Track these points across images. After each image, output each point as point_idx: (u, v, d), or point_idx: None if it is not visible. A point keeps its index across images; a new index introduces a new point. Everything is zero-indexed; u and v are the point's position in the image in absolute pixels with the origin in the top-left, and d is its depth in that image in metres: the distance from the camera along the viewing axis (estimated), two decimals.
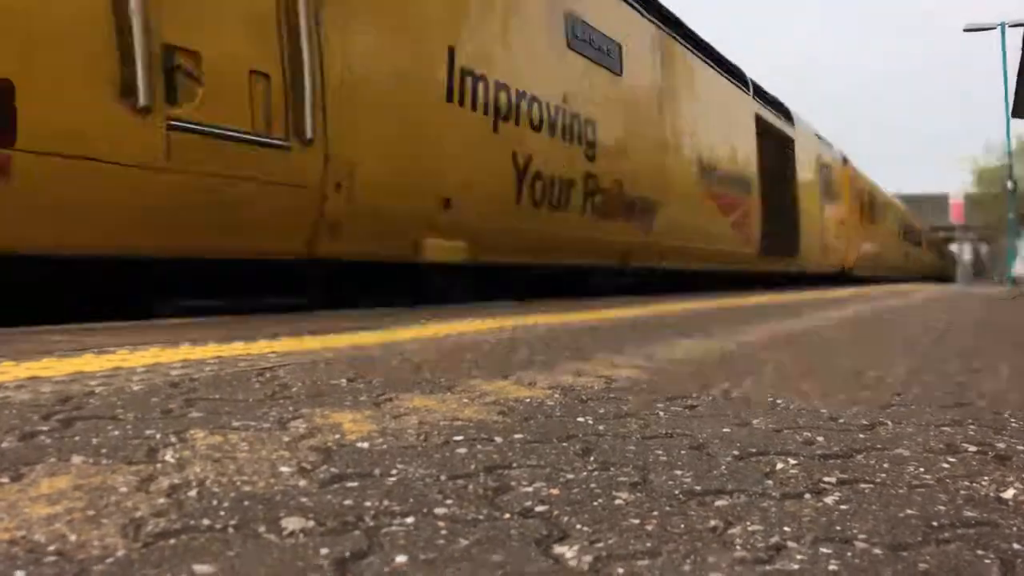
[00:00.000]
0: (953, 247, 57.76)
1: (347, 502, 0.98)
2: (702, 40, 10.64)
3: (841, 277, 18.87)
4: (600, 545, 0.86)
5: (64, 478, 1.04)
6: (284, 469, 1.12)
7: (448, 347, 2.72)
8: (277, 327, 3.30)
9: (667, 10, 9.49)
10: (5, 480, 1.03)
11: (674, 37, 9.60)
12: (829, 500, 1.05)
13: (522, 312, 4.84)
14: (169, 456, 1.17)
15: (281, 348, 2.54)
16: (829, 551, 0.86)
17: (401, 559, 0.80)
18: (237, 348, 2.50)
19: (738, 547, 0.87)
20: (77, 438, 1.26)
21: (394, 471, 1.13)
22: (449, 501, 1.00)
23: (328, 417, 1.48)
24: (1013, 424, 1.60)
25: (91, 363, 2.07)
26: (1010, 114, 22.52)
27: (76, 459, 1.14)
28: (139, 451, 1.20)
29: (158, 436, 1.29)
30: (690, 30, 10.22)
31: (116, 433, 1.30)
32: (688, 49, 10.08)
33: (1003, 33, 24.12)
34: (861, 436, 1.46)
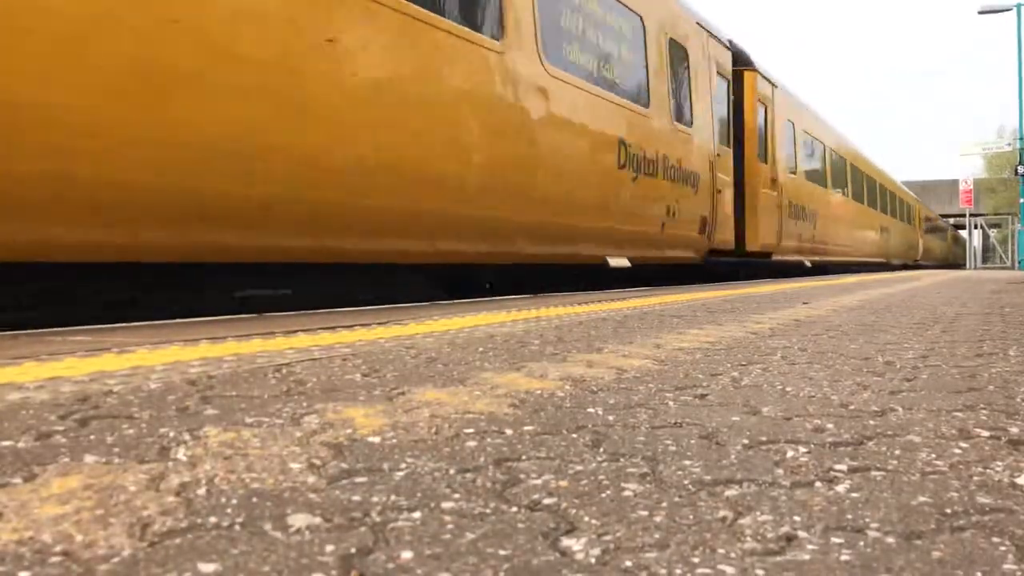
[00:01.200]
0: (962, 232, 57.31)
1: (355, 498, 0.98)
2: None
3: None
4: (608, 537, 0.86)
5: (75, 478, 1.05)
6: (294, 465, 1.13)
7: (461, 340, 2.72)
8: (294, 324, 3.31)
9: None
10: (18, 480, 1.03)
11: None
12: (840, 488, 1.04)
13: (534, 305, 4.84)
14: (181, 454, 1.18)
15: (298, 344, 2.55)
16: (841, 540, 0.86)
17: (407, 555, 0.80)
18: (255, 345, 2.51)
19: (748, 537, 0.86)
20: (92, 437, 1.27)
21: (403, 465, 1.13)
22: (457, 495, 1.00)
23: (341, 412, 1.49)
24: None
25: (111, 362, 2.08)
26: None
27: (89, 459, 1.15)
28: (152, 450, 1.20)
29: (171, 434, 1.30)
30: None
31: (131, 432, 1.31)
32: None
33: (1019, 15, 23.82)
34: (872, 423, 1.45)
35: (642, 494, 1.01)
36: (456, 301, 5.35)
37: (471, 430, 1.36)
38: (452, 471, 1.11)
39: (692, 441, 1.30)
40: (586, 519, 0.92)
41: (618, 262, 7.81)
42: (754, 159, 11.91)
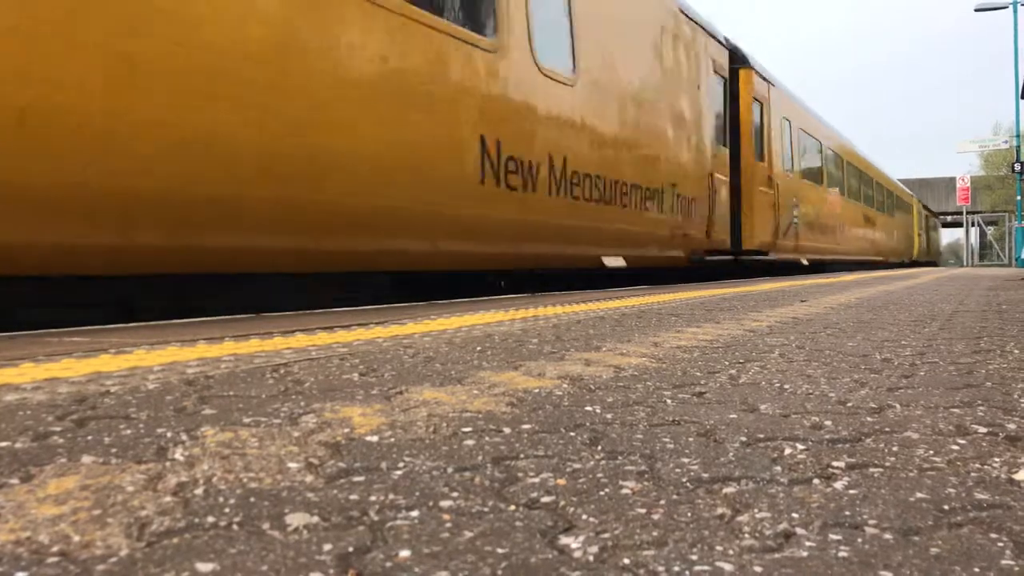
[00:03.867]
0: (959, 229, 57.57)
1: (353, 497, 0.98)
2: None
3: None
4: (606, 535, 0.86)
5: (72, 478, 1.04)
6: (292, 465, 1.12)
7: (459, 340, 2.72)
8: (292, 324, 3.31)
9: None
10: (15, 481, 1.03)
11: None
12: (838, 485, 1.04)
13: (532, 304, 4.84)
14: (178, 454, 1.18)
15: (296, 344, 2.55)
16: (839, 537, 0.86)
17: (404, 553, 0.80)
18: (253, 345, 2.51)
19: (746, 535, 0.86)
20: (89, 438, 1.27)
21: (401, 464, 1.13)
22: (455, 494, 1.00)
23: (338, 412, 1.48)
24: (1023, 404, 1.58)
25: (108, 363, 2.08)
26: (1020, 95, 22.25)
27: (86, 459, 1.14)
28: (149, 450, 1.20)
29: (169, 434, 1.30)
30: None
31: (128, 432, 1.31)
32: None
33: (1015, 12, 23.87)
34: (869, 419, 1.45)
35: (640, 492, 1.01)
36: (454, 301, 5.35)
37: (469, 429, 1.36)
38: (450, 470, 1.11)
39: (690, 439, 1.30)
40: (584, 517, 0.92)
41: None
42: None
